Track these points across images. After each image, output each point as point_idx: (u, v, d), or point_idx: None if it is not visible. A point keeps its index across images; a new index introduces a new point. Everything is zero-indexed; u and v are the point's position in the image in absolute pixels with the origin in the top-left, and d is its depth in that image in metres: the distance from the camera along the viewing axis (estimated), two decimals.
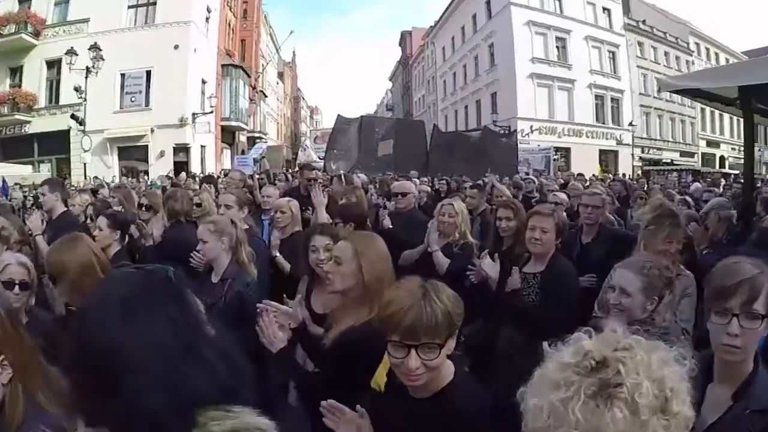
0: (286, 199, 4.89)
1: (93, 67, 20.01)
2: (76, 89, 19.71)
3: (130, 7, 25.04)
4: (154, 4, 24.93)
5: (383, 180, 10.52)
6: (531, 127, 30.69)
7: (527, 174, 19.73)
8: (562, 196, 5.73)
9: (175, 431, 0.97)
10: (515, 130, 25.93)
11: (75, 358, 1.05)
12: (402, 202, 5.22)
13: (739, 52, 47.29)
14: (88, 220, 4.59)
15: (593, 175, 21.00)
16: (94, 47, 20.11)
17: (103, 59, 20.28)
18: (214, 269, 3.33)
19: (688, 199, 6.94)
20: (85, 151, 19.91)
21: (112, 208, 4.80)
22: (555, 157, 26.79)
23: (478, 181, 13.64)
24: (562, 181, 14.64)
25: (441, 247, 4.08)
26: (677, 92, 7.20)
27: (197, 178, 13.40)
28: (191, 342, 1.05)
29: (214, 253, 3.25)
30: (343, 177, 8.18)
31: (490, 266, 3.63)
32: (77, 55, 20.10)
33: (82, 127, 20.21)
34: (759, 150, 44.18)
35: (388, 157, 18.75)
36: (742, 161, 39.61)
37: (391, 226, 4.80)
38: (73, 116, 19.88)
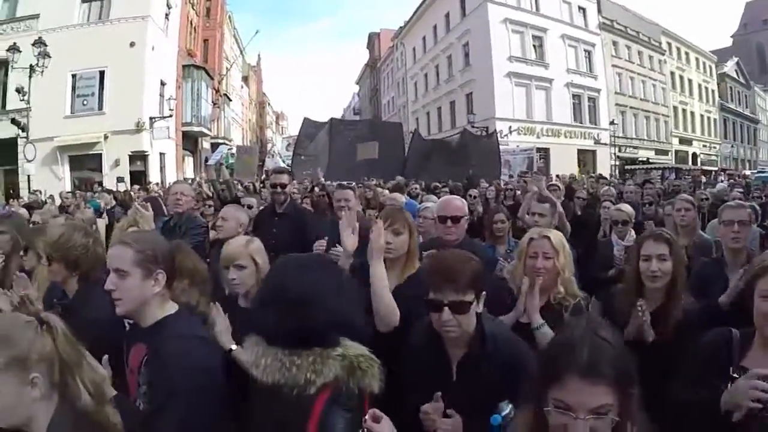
0: (244, 240, 2.90)
1: (38, 65, 17.97)
2: (18, 90, 17.63)
3: (83, 1, 22.87)
4: None
5: (372, 190, 8.91)
6: (510, 127, 29.65)
7: (511, 176, 18.61)
8: (628, 209, 4.34)
9: (328, 341, 1.57)
10: (495, 131, 24.80)
11: (272, 296, 1.64)
12: (454, 232, 3.41)
13: (708, 51, 48.15)
14: None
15: (572, 174, 20.02)
16: (39, 42, 18.04)
17: (49, 56, 18.20)
18: None
19: (755, 206, 5.65)
20: (29, 161, 17.70)
21: None
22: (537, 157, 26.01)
23: (457, 182, 12.44)
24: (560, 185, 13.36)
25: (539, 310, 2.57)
26: None
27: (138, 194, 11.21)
28: (348, 294, 1.69)
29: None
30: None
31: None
32: (20, 51, 17.88)
33: (25, 134, 18.10)
34: (732, 146, 45.35)
35: (368, 162, 17.28)
36: (712, 157, 41.00)
37: None
38: (14, 121, 17.73)
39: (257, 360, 1.57)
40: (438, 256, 2.15)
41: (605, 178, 13.19)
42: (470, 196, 8.50)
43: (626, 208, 4.52)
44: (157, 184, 16.23)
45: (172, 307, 2.05)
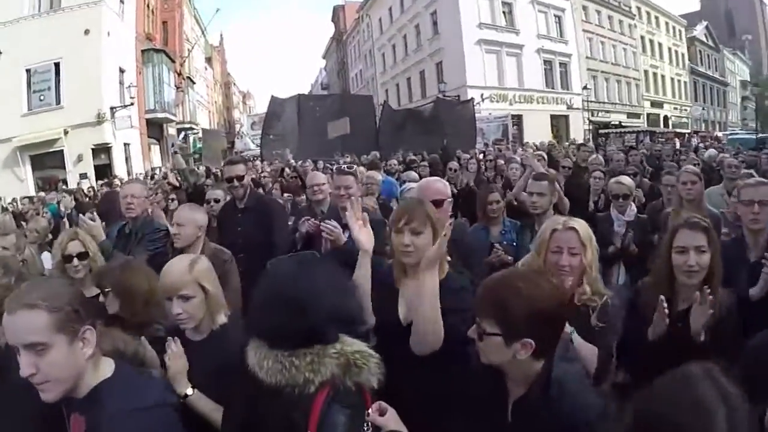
0: (186, 262, 2.22)
1: None
2: None
3: None
4: None
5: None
6: (482, 95, 29.17)
7: (486, 145, 18.26)
8: (628, 181, 4.01)
9: (328, 338, 1.60)
10: (472, 98, 24.51)
11: (268, 301, 1.64)
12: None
13: (678, 16, 48.46)
14: None
15: (551, 141, 19.79)
16: None
17: (0, 52, 17.20)
18: None
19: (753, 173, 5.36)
20: None
21: None
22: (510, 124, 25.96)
23: (433, 154, 12.03)
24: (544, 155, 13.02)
25: None
26: None
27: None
28: (344, 289, 1.73)
29: None
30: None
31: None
32: None
33: None
34: (702, 108, 45.78)
35: (341, 138, 16.83)
36: (684, 120, 41.50)
37: None
38: None
39: (260, 362, 1.59)
40: (495, 276, 1.75)
41: (586, 145, 12.77)
42: (450, 169, 8.18)
43: (626, 180, 4.20)
44: (121, 179, 15.50)
45: (107, 367, 1.60)
